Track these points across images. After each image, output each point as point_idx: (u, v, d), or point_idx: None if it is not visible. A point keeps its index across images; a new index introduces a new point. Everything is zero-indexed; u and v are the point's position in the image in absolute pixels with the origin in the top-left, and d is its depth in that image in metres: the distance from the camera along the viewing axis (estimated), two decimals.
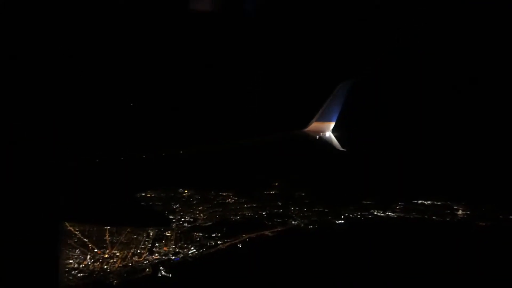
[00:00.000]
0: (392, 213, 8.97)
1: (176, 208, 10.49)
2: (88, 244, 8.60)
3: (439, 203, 9.91)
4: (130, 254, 8.25)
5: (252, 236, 8.57)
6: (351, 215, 8.94)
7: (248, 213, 9.94)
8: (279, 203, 10.20)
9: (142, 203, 10.68)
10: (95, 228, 9.03)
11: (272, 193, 10.87)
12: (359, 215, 8.99)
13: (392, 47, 11.87)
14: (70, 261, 8.18)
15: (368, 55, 12.18)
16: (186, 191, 10.81)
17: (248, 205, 10.40)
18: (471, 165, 11.35)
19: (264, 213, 9.70)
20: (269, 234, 8.46)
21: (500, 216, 9.17)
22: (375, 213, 8.96)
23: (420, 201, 9.88)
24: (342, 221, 8.45)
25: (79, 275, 7.81)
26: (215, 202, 10.79)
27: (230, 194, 10.88)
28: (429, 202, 9.80)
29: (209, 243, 8.45)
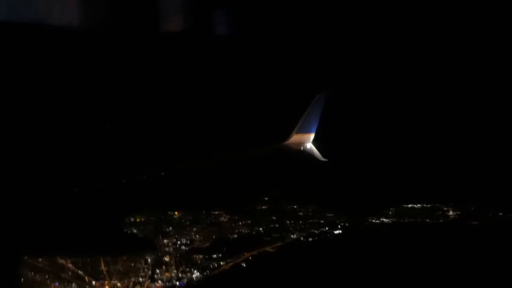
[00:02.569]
0: (386, 218, 9.64)
1: (170, 231, 10.65)
2: (84, 277, 8.59)
3: (428, 205, 10.72)
4: (131, 283, 8.31)
5: (254, 254, 8.91)
6: (346, 224, 9.53)
7: (245, 230, 10.29)
8: (274, 218, 10.63)
9: (133, 229, 10.86)
10: (88, 259, 8.95)
11: (264, 208, 11.31)
12: (355, 223, 9.60)
13: (368, 57, 12.68)
14: None
15: (343, 66, 12.99)
16: (176, 212, 10.99)
17: (243, 222, 10.75)
18: (454, 165, 12.14)
19: (260, 229, 10.10)
20: (271, 250, 8.86)
21: (490, 214, 10.20)
22: (369, 220, 9.59)
23: (410, 205, 10.66)
24: (340, 231, 9.01)
25: None
26: (208, 221, 11.06)
27: (222, 212, 11.21)
28: (418, 205, 10.59)
29: (212, 265, 8.69)
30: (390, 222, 10.25)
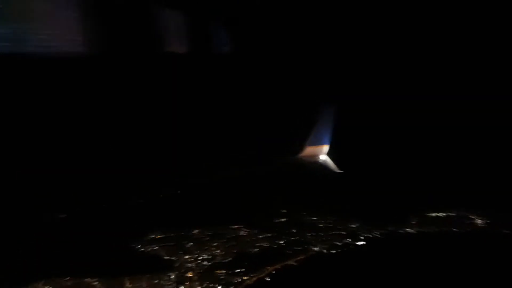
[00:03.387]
0: (409, 228, 9.45)
1: (190, 246, 10.74)
2: None
3: (453, 214, 10.45)
4: None
5: (278, 268, 8.84)
6: (370, 235, 9.39)
7: (266, 244, 10.25)
8: (294, 230, 10.58)
9: (154, 246, 11.01)
10: (112, 277, 9.10)
11: (283, 220, 11.29)
12: (378, 234, 9.44)
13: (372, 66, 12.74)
14: None
15: (353, 76, 13.07)
16: (194, 228, 11.09)
17: (263, 236, 10.73)
18: (478, 172, 11.84)
19: (282, 242, 10.06)
20: (294, 263, 8.78)
21: None
22: (392, 230, 9.42)
23: (434, 214, 10.43)
24: (364, 242, 8.88)
25: None
26: (228, 236, 11.09)
27: (241, 226, 11.22)
28: (443, 214, 10.34)
29: (236, 280, 8.65)
30: (414, 232, 10.02)
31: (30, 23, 9.39)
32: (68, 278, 8.96)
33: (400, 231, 9.84)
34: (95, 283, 9.58)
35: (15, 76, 9.61)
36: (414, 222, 10.22)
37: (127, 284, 9.69)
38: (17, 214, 8.99)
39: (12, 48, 9.06)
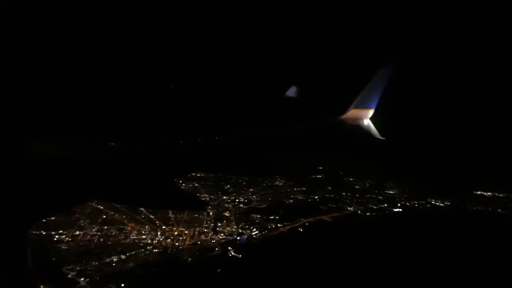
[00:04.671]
0: (450, 203, 9.16)
1: (228, 189, 11.19)
2: (155, 221, 9.42)
3: (501, 195, 9.99)
4: (196, 232, 9.02)
5: (311, 221, 9.13)
6: (407, 203, 9.28)
7: (300, 197, 10.49)
8: (329, 188, 10.65)
9: (195, 183, 11.48)
10: (157, 207, 9.80)
11: (319, 177, 11.32)
12: (416, 203, 9.31)
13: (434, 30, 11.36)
14: (143, 236, 9.05)
15: (409, 39, 11.81)
16: (232, 174, 11.45)
17: (298, 189, 10.95)
18: None
19: (316, 197, 10.22)
20: (327, 219, 8.99)
21: None
22: (432, 202, 9.20)
23: (479, 192, 10.02)
24: (400, 209, 8.82)
25: (154, 250, 8.65)
26: (264, 184, 11.37)
27: (277, 177, 11.41)
28: (489, 193, 9.91)
29: (270, 226, 9.09)
30: (455, 207, 9.75)
31: None
32: (123, 205, 9.80)
33: (440, 204, 9.60)
34: (142, 208, 10.48)
35: None
36: (456, 198, 9.86)
37: (170, 214, 10.56)
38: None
39: None
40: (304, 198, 10.70)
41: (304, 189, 11.00)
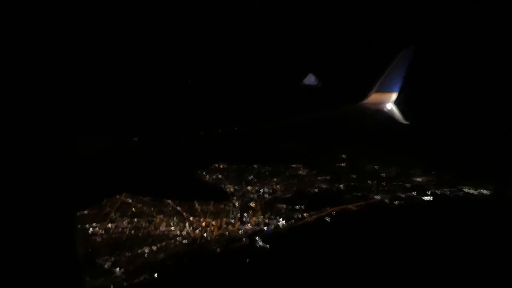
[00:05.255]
0: (486, 191, 8.72)
1: (252, 179, 11.14)
2: (183, 213, 9.55)
3: None
4: (224, 223, 9.09)
5: (337, 210, 9.03)
6: (437, 191, 8.98)
7: (325, 186, 10.36)
8: (353, 176, 10.45)
9: (218, 175, 11.47)
10: (184, 199, 9.90)
11: (343, 165, 11.11)
12: (447, 191, 8.97)
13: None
14: (172, 228, 9.23)
15: (433, 18, 11.12)
16: (255, 164, 11.36)
17: (322, 178, 10.80)
18: None
19: (341, 186, 10.07)
20: (353, 208, 8.87)
21: None
22: (465, 190, 8.82)
23: None
24: (430, 198, 8.55)
25: (183, 241, 8.84)
26: (288, 174, 11.28)
27: (300, 166, 11.27)
28: None
29: (296, 215, 9.06)
30: (490, 195, 9.35)
31: None
32: (149, 197, 9.99)
33: (474, 192, 9.21)
34: (169, 201, 10.67)
35: None
36: (491, 186, 9.42)
37: (196, 206, 10.70)
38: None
39: None
40: (329, 187, 10.56)
41: (328, 177, 10.83)
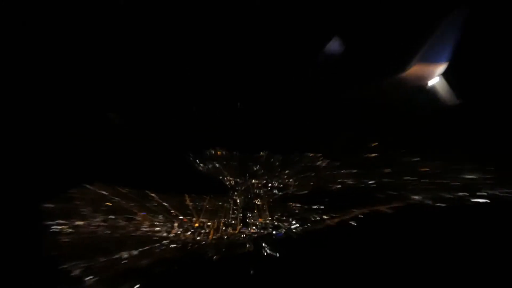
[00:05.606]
0: None
1: (257, 170, 11.11)
2: (170, 210, 9.56)
3: None
4: (222, 224, 9.10)
5: (365, 212, 9.01)
6: (494, 192, 8.87)
7: (350, 181, 10.30)
8: (387, 170, 10.35)
9: (215, 163, 11.49)
10: (172, 193, 9.91)
11: (374, 156, 10.99)
12: (508, 193, 8.84)
13: None
14: (157, 228, 9.26)
15: None
16: (262, 151, 11.32)
17: (347, 171, 10.74)
18: None
19: (371, 182, 10.00)
20: (387, 211, 8.82)
21: None
22: None
23: None
24: (485, 200, 8.45)
25: (171, 246, 8.86)
26: (303, 165, 11.21)
27: (319, 155, 11.19)
28: None
29: (313, 218, 9.05)
30: None
31: None
32: (129, 189, 10.00)
33: None
34: (153, 194, 10.66)
35: None
36: None
37: (188, 201, 10.69)
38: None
39: None
40: (356, 183, 10.53)
41: (355, 171, 10.77)
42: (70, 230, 9.23)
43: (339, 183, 10.30)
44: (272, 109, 12.04)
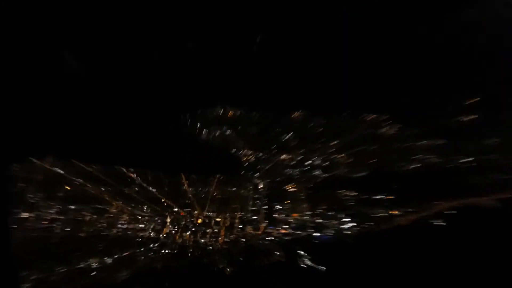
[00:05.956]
0: None
1: (289, 140, 11.59)
2: (160, 197, 9.51)
3: None
4: (237, 221, 8.96)
5: (456, 205, 9.40)
6: None
7: (435, 159, 10.57)
8: (495, 141, 10.58)
9: (226, 129, 11.44)
10: (162, 175, 10.21)
11: (472, 118, 11.20)
12: None
13: None
14: (141, 225, 9.18)
15: None
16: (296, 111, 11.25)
17: (428, 142, 11.07)
18: None
19: (466, 160, 10.23)
20: (491, 203, 9.15)
21: None
22: None
23: None
24: None
25: (163, 251, 8.80)
26: (358, 133, 11.45)
27: (385, 117, 11.28)
28: None
29: (376, 213, 9.50)
30: None
31: None
32: (99, 167, 10.19)
33: None
34: (135, 175, 10.49)
35: None
36: None
37: (185, 186, 10.43)
38: None
39: None
40: (442, 160, 10.05)
41: (442, 142, 10.33)
42: (12, 225, 9.14)
43: (417, 161, 9.92)
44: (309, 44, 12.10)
